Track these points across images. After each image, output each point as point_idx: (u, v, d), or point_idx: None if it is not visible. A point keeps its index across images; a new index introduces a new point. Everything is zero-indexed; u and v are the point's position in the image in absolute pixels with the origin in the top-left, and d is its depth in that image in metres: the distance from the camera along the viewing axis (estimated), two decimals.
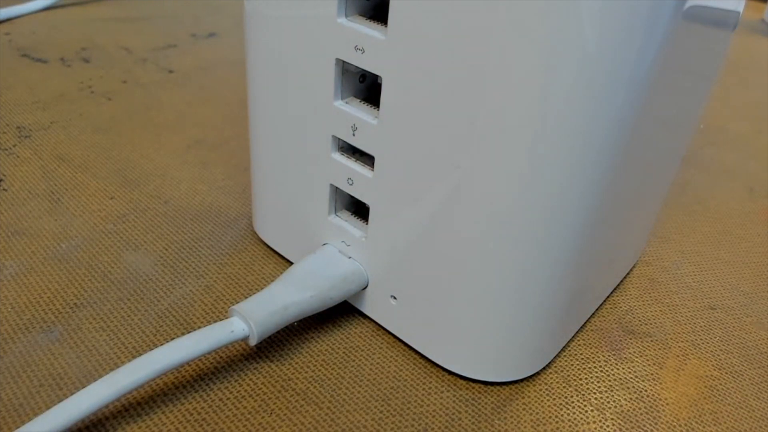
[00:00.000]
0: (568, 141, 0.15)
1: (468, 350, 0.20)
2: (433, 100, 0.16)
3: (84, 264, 0.24)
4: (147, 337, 0.21)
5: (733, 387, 0.21)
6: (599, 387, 0.21)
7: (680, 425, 0.20)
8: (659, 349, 0.23)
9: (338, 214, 0.22)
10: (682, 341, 0.23)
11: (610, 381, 0.21)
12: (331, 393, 0.20)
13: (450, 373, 0.21)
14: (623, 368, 0.22)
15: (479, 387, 0.20)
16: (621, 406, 0.20)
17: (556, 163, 0.16)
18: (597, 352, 0.22)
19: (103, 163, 0.29)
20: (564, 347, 0.22)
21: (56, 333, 0.21)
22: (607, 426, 0.20)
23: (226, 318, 0.19)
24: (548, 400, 0.20)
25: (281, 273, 0.21)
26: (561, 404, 0.20)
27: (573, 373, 0.21)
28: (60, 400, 0.18)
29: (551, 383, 0.21)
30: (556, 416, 0.20)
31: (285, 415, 0.19)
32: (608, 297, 0.25)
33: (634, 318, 0.24)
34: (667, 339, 0.23)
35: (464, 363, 0.20)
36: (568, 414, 0.20)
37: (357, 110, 0.19)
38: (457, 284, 0.19)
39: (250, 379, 0.20)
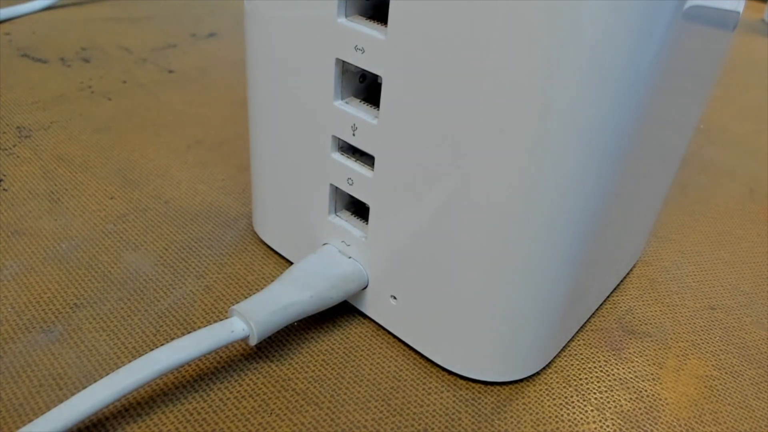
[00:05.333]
0: (569, 141, 0.15)
1: (468, 350, 0.20)
2: (433, 100, 0.16)
3: (84, 264, 0.24)
4: (147, 337, 0.21)
5: (733, 387, 0.21)
6: (599, 387, 0.21)
7: (680, 425, 0.20)
8: (659, 349, 0.23)
9: (338, 214, 0.22)
10: (682, 341, 0.23)
11: (610, 381, 0.21)
12: (331, 393, 0.20)
13: (450, 373, 0.21)
14: (623, 368, 0.22)
15: (479, 387, 0.20)
16: (621, 406, 0.20)
17: (556, 163, 0.16)
18: (597, 352, 0.22)
19: (103, 163, 0.29)
20: (564, 347, 0.22)
21: (56, 333, 0.21)
22: (607, 426, 0.20)
23: (226, 318, 0.19)
24: (548, 400, 0.20)
25: (281, 273, 0.21)
26: (561, 404, 0.20)
27: (573, 373, 0.21)
28: (60, 401, 0.18)
29: (551, 383, 0.21)
30: (556, 416, 0.20)
31: (285, 415, 0.19)
32: (608, 297, 0.25)
33: (634, 318, 0.24)
34: (667, 339, 0.23)
35: (464, 363, 0.20)
36: (568, 414, 0.20)
37: (357, 110, 0.19)
38: (457, 284, 0.19)
39: (250, 379, 0.20)
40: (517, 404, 0.20)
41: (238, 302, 0.22)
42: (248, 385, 0.20)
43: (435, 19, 0.15)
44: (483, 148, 0.16)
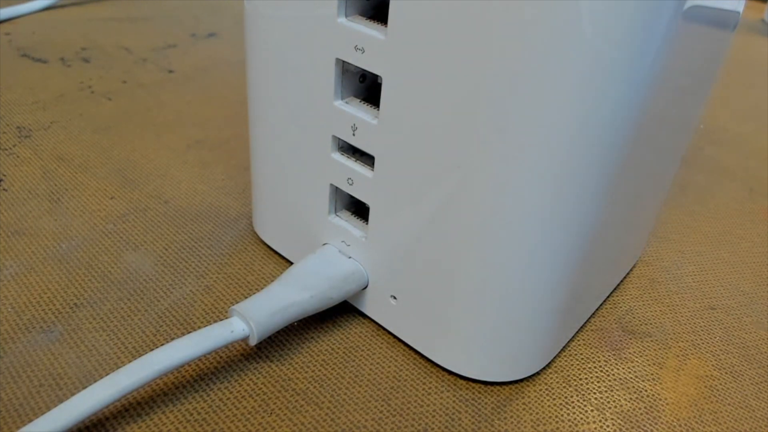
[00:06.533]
0: (569, 141, 0.15)
1: (468, 350, 0.20)
2: (433, 100, 0.16)
3: (84, 264, 0.24)
4: (147, 337, 0.21)
5: (733, 387, 0.21)
6: (599, 387, 0.21)
7: (680, 425, 0.20)
8: (659, 349, 0.23)
9: (338, 214, 0.22)
10: (682, 341, 0.23)
11: (610, 381, 0.21)
12: (331, 393, 0.20)
13: (450, 373, 0.21)
14: (623, 368, 0.22)
15: (479, 387, 0.20)
16: (621, 406, 0.20)
17: (556, 163, 0.16)
18: (597, 352, 0.22)
19: (103, 163, 0.29)
20: (564, 347, 0.22)
21: (56, 333, 0.21)
22: (607, 426, 0.20)
23: (226, 318, 0.19)
24: (548, 400, 0.20)
25: (281, 273, 0.21)
26: (561, 404, 0.20)
27: (573, 373, 0.21)
28: (60, 401, 0.18)
29: (551, 383, 0.21)
30: (556, 416, 0.20)
31: (285, 415, 0.19)
32: (608, 297, 0.25)
33: (634, 318, 0.24)
34: (667, 339, 0.23)
35: (464, 363, 0.20)
36: (568, 414, 0.20)
37: (357, 110, 0.19)
38: (457, 284, 0.19)
39: (250, 379, 0.20)
40: (517, 404, 0.20)
41: (238, 302, 0.22)
42: (248, 385, 0.20)
43: (435, 19, 0.15)
44: (483, 148, 0.16)
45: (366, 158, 0.20)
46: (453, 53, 0.15)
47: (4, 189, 0.27)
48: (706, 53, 0.19)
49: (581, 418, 0.20)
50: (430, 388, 0.20)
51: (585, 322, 0.23)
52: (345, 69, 0.19)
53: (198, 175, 0.29)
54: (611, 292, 0.25)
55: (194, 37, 0.44)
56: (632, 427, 0.20)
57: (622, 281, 0.26)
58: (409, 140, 0.17)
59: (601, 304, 0.24)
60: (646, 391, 0.21)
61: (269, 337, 0.21)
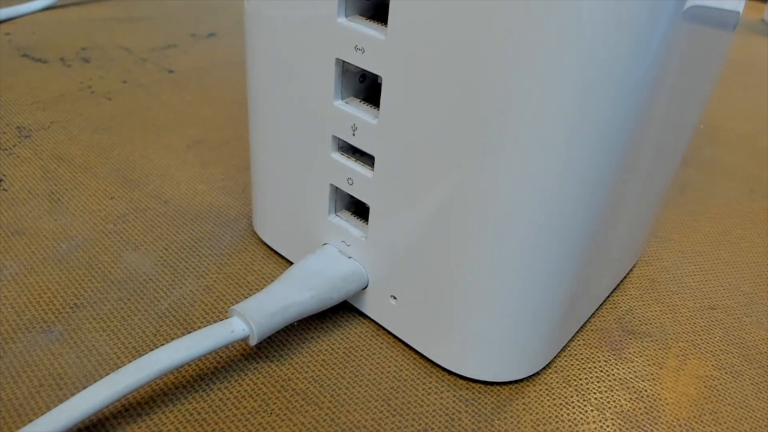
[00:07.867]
0: (569, 141, 0.15)
1: (468, 350, 0.20)
2: (433, 100, 0.16)
3: (84, 264, 0.24)
4: (147, 337, 0.21)
5: (733, 387, 0.21)
6: (599, 387, 0.21)
7: (680, 425, 0.20)
8: (659, 349, 0.23)
9: (338, 214, 0.22)
10: (682, 341, 0.23)
11: (610, 381, 0.21)
12: (331, 393, 0.20)
13: (450, 373, 0.21)
14: (623, 368, 0.22)
15: (479, 387, 0.20)
16: (621, 406, 0.20)
17: (556, 163, 0.16)
18: (597, 352, 0.22)
19: (103, 163, 0.29)
20: (564, 347, 0.22)
21: (56, 333, 0.21)
22: (607, 426, 0.20)
23: (226, 318, 0.19)
24: (548, 400, 0.20)
25: (281, 273, 0.21)
26: (561, 404, 0.20)
27: (573, 373, 0.21)
28: (60, 400, 0.18)
29: (551, 383, 0.21)
30: (556, 416, 0.20)
31: (285, 415, 0.19)
32: (608, 297, 0.25)
33: (634, 318, 0.24)
34: (667, 339, 0.23)
35: (464, 363, 0.20)
36: (568, 414, 0.20)
37: (357, 110, 0.19)
38: (457, 284, 0.19)
39: (250, 379, 0.20)
40: (517, 404, 0.20)
41: (238, 302, 0.22)
42: (248, 385, 0.20)
43: (435, 19, 0.15)
44: (483, 147, 0.16)
45: (366, 158, 0.20)
46: (453, 53, 0.15)
47: (4, 189, 0.27)
48: (707, 53, 0.19)
49: (581, 418, 0.20)
50: (430, 388, 0.20)
51: (585, 322, 0.23)
52: (345, 69, 0.19)
53: (198, 175, 0.29)
54: (611, 292, 0.25)
55: (194, 37, 0.44)
56: (632, 427, 0.20)
57: (622, 281, 0.26)
58: (409, 140, 0.17)
59: (601, 304, 0.24)
60: (646, 391, 0.21)
61: (269, 337, 0.21)
